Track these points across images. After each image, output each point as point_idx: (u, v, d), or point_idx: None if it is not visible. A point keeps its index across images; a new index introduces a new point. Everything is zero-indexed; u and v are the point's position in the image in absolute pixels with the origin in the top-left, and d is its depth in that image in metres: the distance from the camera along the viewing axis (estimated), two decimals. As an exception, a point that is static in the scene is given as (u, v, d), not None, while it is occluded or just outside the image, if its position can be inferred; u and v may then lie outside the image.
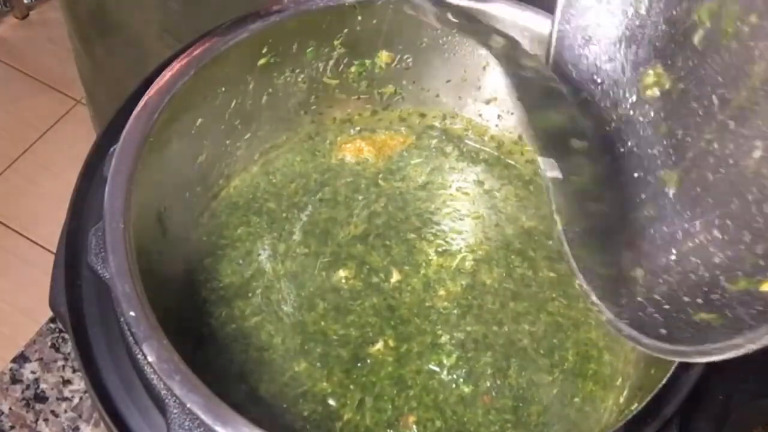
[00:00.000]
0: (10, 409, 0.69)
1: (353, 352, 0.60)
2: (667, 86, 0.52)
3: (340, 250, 0.65)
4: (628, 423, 0.46)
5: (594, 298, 0.49)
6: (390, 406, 0.58)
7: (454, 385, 0.59)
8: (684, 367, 0.48)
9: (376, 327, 0.61)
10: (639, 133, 0.53)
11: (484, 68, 0.69)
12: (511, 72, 0.55)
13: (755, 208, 0.43)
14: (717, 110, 0.47)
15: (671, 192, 0.50)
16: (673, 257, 0.48)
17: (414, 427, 0.57)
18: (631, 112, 0.54)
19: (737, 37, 0.46)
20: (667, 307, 0.46)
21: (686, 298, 0.45)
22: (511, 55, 0.57)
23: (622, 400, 0.58)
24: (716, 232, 0.45)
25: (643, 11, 0.53)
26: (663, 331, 0.44)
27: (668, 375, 0.48)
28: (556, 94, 0.54)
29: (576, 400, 0.59)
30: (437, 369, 0.59)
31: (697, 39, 0.50)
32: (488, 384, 0.59)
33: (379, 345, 0.60)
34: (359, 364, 0.59)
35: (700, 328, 0.43)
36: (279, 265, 0.64)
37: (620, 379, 0.60)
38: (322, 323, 0.61)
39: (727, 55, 0.47)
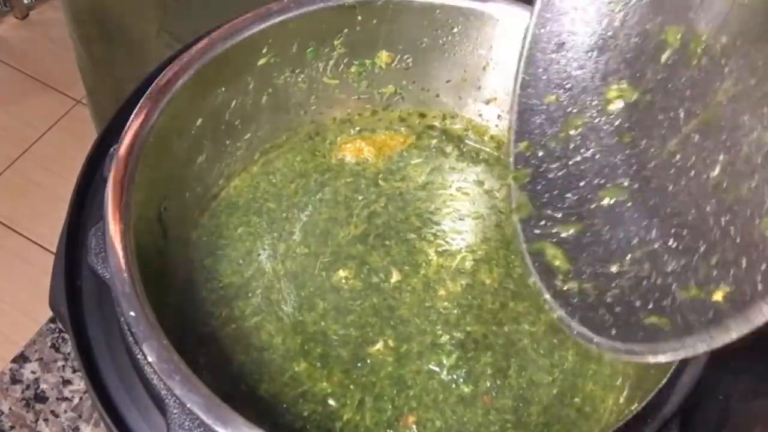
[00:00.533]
0: (10, 409, 0.69)
1: (353, 352, 0.60)
2: (633, 98, 0.52)
3: (340, 250, 0.65)
4: (628, 423, 0.46)
5: (546, 295, 0.50)
6: (390, 406, 0.58)
7: (454, 385, 0.59)
8: (684, 367, 0.48)
9: (376, 327, 0.61)
10: (602, 140, 0.53)
11: (484, 68, 0.69)
12: None
13: (712, 219, 0.43)
14: (682, 123, 0.48)
15: (629, 200, 0.50)
16: (627, 263, 0.48)
17: (414, 427, 0.57)
18: (597, 120, 0.54)
19: (707, 54, 0.47)
20: (618, 309, 0.47)
21: (638, 303, 0.46)
22: None
23: (622, 400, 0.58)
24: (671, 241, 0.46)
25: (617, 23, 0.54)
26: (613, 331, 0.45)
27: (668, 375, 0.48)
28: None
29: (576, 400, 0.59)
30: (437, 369, 0.59)
31: (666, 55, 0.50)
32: (488, 384, 0.59)
33: (379, 345, 0.60)
34: (359, 364, 0.59)
35: (651, 330, 0.43)
36: (279, 265, 0.64)
37: (620, 379, 0.59)
38: (322, 323, 0.61)
39: (696, 71, 0.48)
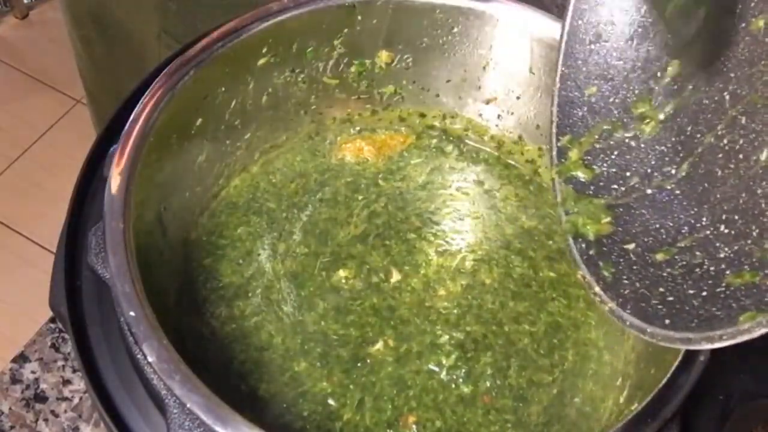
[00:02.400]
0: (10, 409, 0.69)
1: (353, 352, 0.60)
2: (676, 84, 0.52)
3: (340, 250, 0.65)
4: (628, 423, 0.46)
5: (597, 288, 0.49)
6: (390, 406, 0.58)
7: (453, 386, 0.59)
8: (684, 367, 0.48)
9: (376, 327, 0.61)
10: (646, 129, 0.53)
11: (484, 68, 0.69)
12: None
13: (765, 203, 0.43)
14: (728, 106, 0.47)
15: (677, 188, 0.50)
16: (677, 251, 0.48)
17: (414, 427, 0.57)
18: (641, 109, 0.54)
19: (749, 34, 0.46)
20: (671, 299, 0.46)
21: (691, 291, 0.45)
22: None
23: (622, 400, 0.58)
24: (723, 227, 0.45)
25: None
26: (667, 320, 0.45)
27: (668, 375, 0.48)
28: None
29: (576, 400, 0.59)
30: (437, 369, 0.59)
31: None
32: (488, 384, 0.59)
33: (379, 345, 0.60)
34: (359, 364, 0.59)
35: (705, 317, 0.43)
36: (279, 264, 0.64)
37: (620, 379, 0.59)
38: (322, 323, 0.61)
39: (740, 51, 0.47)
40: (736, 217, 0.45)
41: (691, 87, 0.51)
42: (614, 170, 0.54)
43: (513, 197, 0.70)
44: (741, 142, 0.46)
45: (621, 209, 0.52)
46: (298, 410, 0.57)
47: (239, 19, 0.61)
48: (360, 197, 0.69)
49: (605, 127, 0.55)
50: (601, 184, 0.54)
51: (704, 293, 0.44)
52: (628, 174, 0.53)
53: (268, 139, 0.70)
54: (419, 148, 0.72)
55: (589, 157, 0.55)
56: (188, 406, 0.44)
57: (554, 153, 0.56)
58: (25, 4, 2.20)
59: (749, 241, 0.43)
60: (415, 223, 0.67)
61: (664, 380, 0.48)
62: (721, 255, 0.44)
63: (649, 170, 0.52)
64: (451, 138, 0.73)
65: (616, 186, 0.53)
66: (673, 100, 0.52)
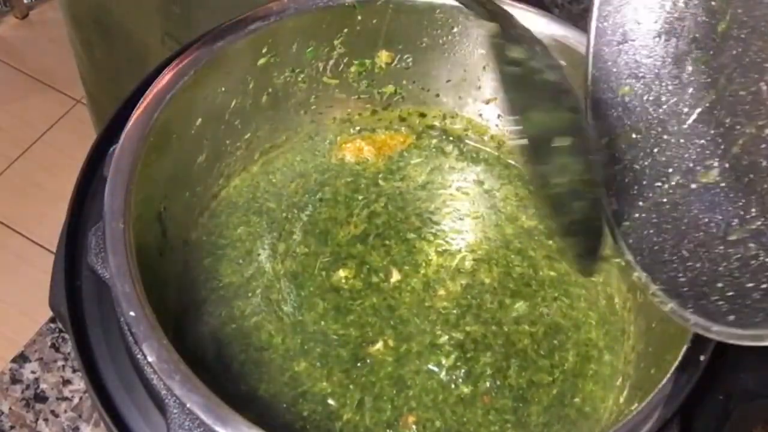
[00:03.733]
0: (10, 409, 0.69)
1: (353, 352, 0.60)
2: (710, 78, 0.52)
3: (340, 250, 0.65)
4: (628, 423, 0.46)
5: (654, 287, 0.48)
6: (389, 406, 0.58)
7: (453, 386, 0.59)
8: (684, 367, 0.48)
9: (376, 327, 0.61)
10: (685, 124, 0.53)
11: (484, 68, 0.69)
12: (499, 65, 0.53)
13: None
14: (765, 96, 0.47)
15: (722, 180, 0.49)
16: (730, 245, 0.47)
17: (413, 427, 0.57)
18: (676, 105, 0.53)
19: None
20: (731, 293, 0.45)
21: (749, 284, 0.44)
22: (498, 44, 0.55)
23: (622, 400, 0.58)
24: None
25: (681, 3, 0.53)
26: (731, 317, 0.43)
27: (668, 375, 0.48)
28: (547, 88, 0.53)
29: (576, 400, 0.59)
30: (436, 369, 0.59)
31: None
32: (488, 384, 0.59)
33: (379, 345, 0.60)
34: (359, 364, 0.59)
35: None
36: (279, 264, 0.64)
37: (620, 379, 0.59)
38: (322, 323, 0.61)
39: None
40: None
41: (724, 80, 0.50)
42: (656, 169, 0.53)
43: (513, 197, 0.70)
44: None
45: (668, 207, 0.52)
46: (298, 410, 0.57)
47: (239, 19, 0.61)
48: (360, 197, 0.69)
49: (641, 124, 0.55)
50: (645, 182, 0.53)
51: (763, 285, 0.43)
52: (670, 170, 0.53)
53: (268, 139, 0.70)
54: (419, 148, 0.72)
55: (628, 157, 0.55)
56: (188, 406, 0.44)
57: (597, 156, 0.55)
58: (25, 4, 2.20)
59: None
60: (415, 223, 0.67)
61: (664, 380, 0.48)
62: None
63: (690, 165, 0.52)
64: (451, 138, 0.73)
65: (659, 184, 0.53)
66: (708, 93, 0.52)
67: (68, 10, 0.94)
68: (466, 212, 0.68)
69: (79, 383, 0.71)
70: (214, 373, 0.58)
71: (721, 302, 0.45)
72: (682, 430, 0.48)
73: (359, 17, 0.65)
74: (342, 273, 0.64)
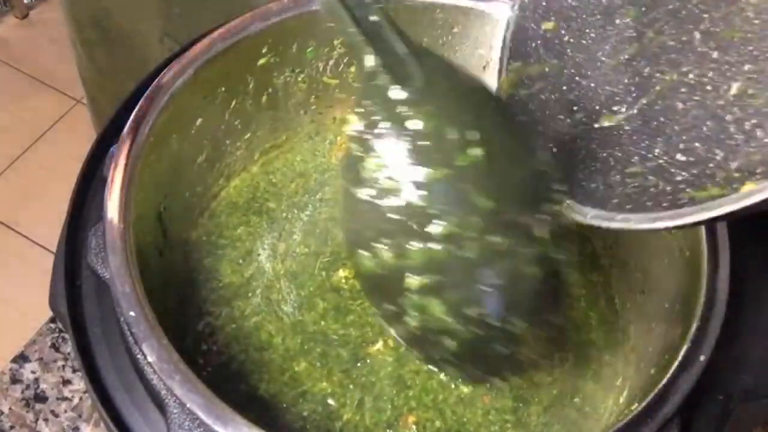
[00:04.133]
0: (10, 409, 0.69)
1: (353, 352, 0.60)
2: (637, 32, 0.53)
3: (340, 250, 0.65)
4: (628, 423, 0.46)
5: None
6: (389, 406, 0.58)
7: (453, 386, 0.59)
8: (684, 367, 0.48)
9: (376, 327, 0.61)
10: (597, 71, 0.54)
11: (483, 68, 0.69)
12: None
13: (734, 127, 0.45)
14: (697, 44, 0.49)
15: (627, 124, 0.51)
16: (628, 177, 0.48)
17: (413, 427, 0.57)
18: (596, 53, 0.54)
19: None
20: (630, 207, 0.47)
21: (648, 203, 0.46)
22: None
23: (622, 400, 0.58)
24: (679, 156, 0.47)
25: None
26: (629, 206, 0.46)
27: (668, 375, 0.48)
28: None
29: (576, 400, 0.59)
30: (436, 369, 0.59)
31: None
32: (488, 384, 0.59)
33: (379, 345, 0.60)
34: (359, 364, 0.59)
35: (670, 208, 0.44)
36: (279, 264, 0.64)
37: (620, 379, 0.59)
38: (322, 323, 0.61)
39: None
40: (697, 145, 0.46)
41: (652, 33, 0.52)
42: (561, 103, 0.54)
43: (513, 197, 0.69)
44: (710, 74, 0.47)
45: (567, 138, 0.53)
46: (298, 410, 0.57)
47: (239, 19, 0.61)
48: (360, 197, 0.68)
49: (556, 62, 0.55)
50: (547, 112, 0.54)
51: (664, 204, 0.45)
52: (575, 108, 0.54)
53: (268, 139, 0.70)
54: (419, 148, 0.72)
55: (536, 86, 0.55)
56: (188, 406, 0.44)
57: (503, 76, 0.56)
58: (25, 4, 2.20)
59: (711, 165, 0.44)
60: (415, 223, 0.67)
61: (664, 380, 0.48)
62: (678, 178, 0.46)
63: (597, 107, 0.53)
64: (451, 138, 0.73)
65: (561, 117, 0.54)
66: (630, 46, 0.53)
67: (68, 10, 0.94)
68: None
69: (79, 383, 0.71)
70: (214, 373, 0.58)
71: (623, 202, 0.47)
72: (682, 430, 0.48)
73: (359, 17, 0.65)
74: (342, 273, 0.64)
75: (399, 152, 0.43)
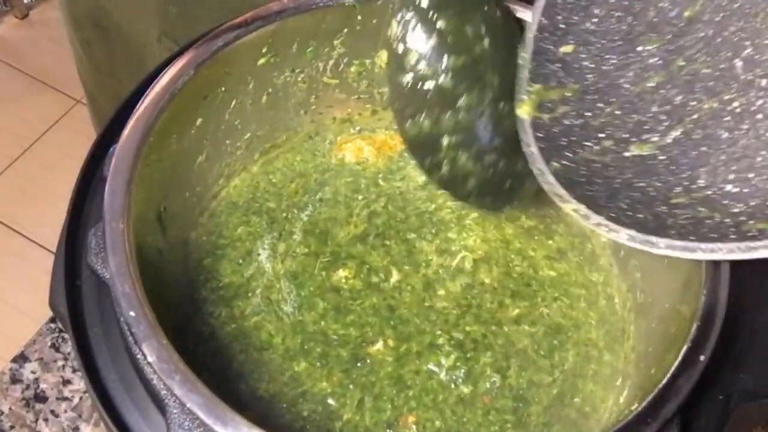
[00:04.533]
0: (10, 409, 0.69)
1: (353, 352, 0.60)
2: (662, 60, 0.52)
3: (340, 250, 0.65)
4: (628, 423, 0.46)
5: (601, 219, 0.48)
6: (389, 406, 0.58)
7: (453, 386, 0.59)
8: (684, 367, 0.48)
9: (376, 327, 0.61)
10: (621, 98, 0.53)
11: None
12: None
13: None
14: (740, 71, 0.48)
15: (662, 153, 0.50)
16: (674, 208, 0.47)
17: (413, 427, 0.57)
18: (616, 80, 0.53)
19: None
20: (686, 227, 0.45)
21: (713, 234, 0.44)
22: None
23: (622, 400, 0.58)
24: (729, 187, 0.46)
25: None
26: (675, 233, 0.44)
27: (668, 375, 0.48)
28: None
29: (576, 400, 0.59)
30: (436, 369, 0.59)
31: (687, 14, 0.50)
32: (488, 384, 0.59)
33: (379, 345, 0.60)
34: (359, 364, 0.59)
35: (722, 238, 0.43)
36: (279, 264, 0.64)
37: (620, 379, 0.60)
38: (322, 323, 0.61)
39: (759, 19, 0.47)
40: (751, 176, 0.45)
41: (682, 61, 0.51)
42: (587, 130, 0.53)
43: (513, 197, 0.70)
44: (759, 103, 0.47)
45: (598, 166, 0.52)
46: (298, 410, 0.57)
47: (239, 19, 0.61)
48: (360, 197, 0.69)
49: (577, 86, 0.55)
50: (574, 138, 0.53)
51: (732, 237, 0.43)
52: (601, 135, 0.53)
53: (268, 139, 0.70)
54: (419, 148, 0.72)
55: (559, 111, 0.55)
56: (188, 406, 0.44)
57: (524, 97, 0.55)
58: (25, 4, 2.20)
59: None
60: (415, 223, 0.67)
61: (664, 380, 0.48)
62: (735, 210, 0.44)
63: (625, 135, 0.52)
64: (451, 138, 0.73)
65: (589, 144, 0.53)
66: (657, 74, 0.52)
67: (68, 10, 0.94)
68: (466, 212, 0.68)
69: (79, 383, 0.71)
70: (214, 373, 0.58)
71: (674, 231, 0.46)
72: (682, 430, 0.48)
73: (359, 17, 0.65)
74: (342, 273, 0.64)
75: (431, 46, 0.56)
